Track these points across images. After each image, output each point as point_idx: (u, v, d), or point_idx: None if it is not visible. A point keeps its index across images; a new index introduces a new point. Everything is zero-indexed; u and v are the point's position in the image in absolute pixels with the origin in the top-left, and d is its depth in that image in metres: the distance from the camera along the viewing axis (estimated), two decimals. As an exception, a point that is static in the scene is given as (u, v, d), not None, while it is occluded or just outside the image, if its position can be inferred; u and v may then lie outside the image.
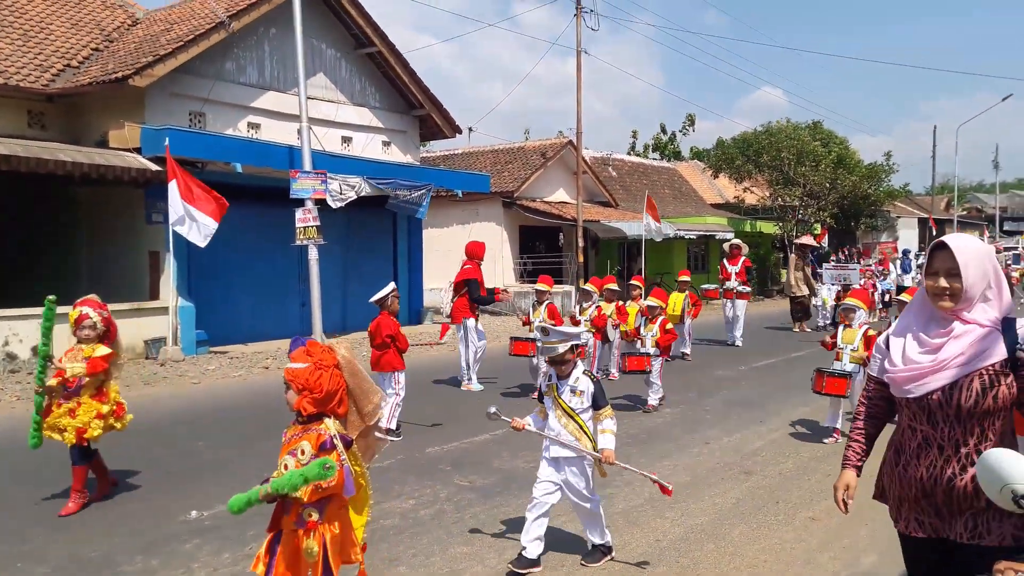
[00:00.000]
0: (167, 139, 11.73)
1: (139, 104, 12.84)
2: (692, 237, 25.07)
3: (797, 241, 19.07)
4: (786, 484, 6.13)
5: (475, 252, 10.32)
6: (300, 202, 12.94)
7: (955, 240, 2.45)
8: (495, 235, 22.15)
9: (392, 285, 7.64)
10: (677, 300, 12.49)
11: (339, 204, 13.87)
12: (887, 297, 20.80)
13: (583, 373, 4.36)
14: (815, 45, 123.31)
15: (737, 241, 15.34)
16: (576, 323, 9.97)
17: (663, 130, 47.18)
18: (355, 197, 14.23)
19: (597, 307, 10.20)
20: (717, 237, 26.45)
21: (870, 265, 26.08)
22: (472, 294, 10.04)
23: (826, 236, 31.01)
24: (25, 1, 14.63)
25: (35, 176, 11.30)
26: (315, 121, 14.61)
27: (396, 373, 7.46)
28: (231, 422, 8.34)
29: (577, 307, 10.67)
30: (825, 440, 7.37)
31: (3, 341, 10.89)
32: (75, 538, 4.89)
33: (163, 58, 12.53)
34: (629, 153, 39.64)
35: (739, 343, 14.43)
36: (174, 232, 11.90)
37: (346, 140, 16.61)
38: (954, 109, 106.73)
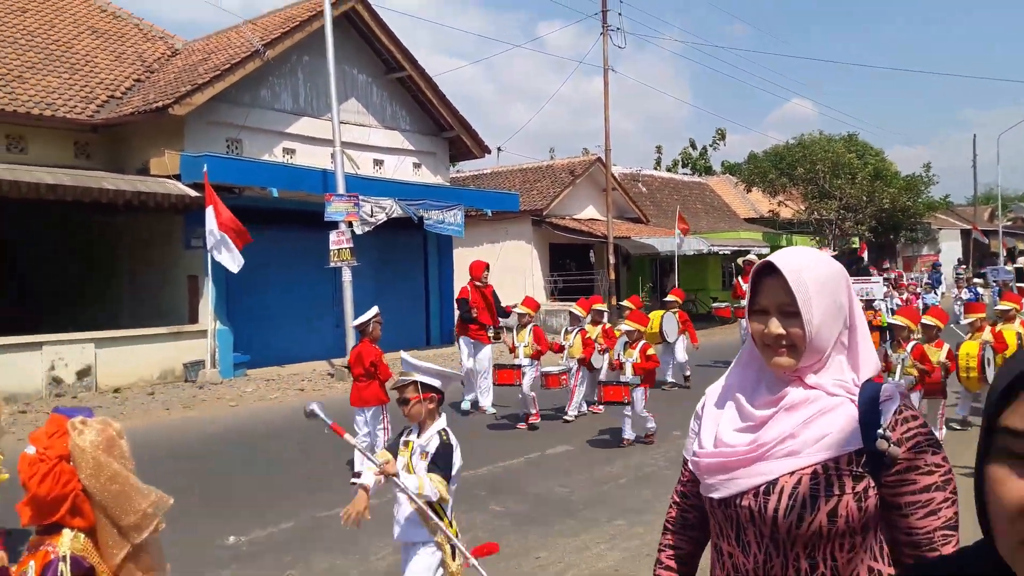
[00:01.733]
0: (205, 166, 12.04)
1: (179, 132, 13.20)
2: (726, 252, 24.85)
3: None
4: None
5: (472, 271, 10.03)
6: (334, 224, 13.16)
7: (789, 258, 1.54)
8: (525, 253, 22.22)
9: (375, 310, 7.15)
10: (655, 318, 11.24)
11: (368, 227, 14.06)
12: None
13: (438, 432, 3.51)
14: (846, 55, 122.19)
15: (752, 256, 14.63)
16: (559, 349, 9.34)
17: (693, 145, 47.00)
18: (386, 219, 14.42)
19: (580, 331, 9.29)
20: (752, 252, 26.20)
21: (914, 279, 25.61)
22: (460, 315, 9.83)
23: (866, 250, 30.59)
24: (72, 36, 15.14)
25: (80, 204, 11.66)
26: (348, 145, 14.87)
27: (379, 408, 6.89)
28: (269, 445, 8.47)
29: (563, 331, 9.84)
30: None
31: (49, 365, 11.20)
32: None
33: (201, 87, 12.88)
34: (655, 168, 39.50)
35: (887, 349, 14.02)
36: (212, 257, 12.17)
37: (378, 163, 16.86)
38: (995, 117, 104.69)
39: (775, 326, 1.51)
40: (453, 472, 3.47)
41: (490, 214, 18.90)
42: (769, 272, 1.54)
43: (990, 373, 8.00)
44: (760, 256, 14.20)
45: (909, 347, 7.22)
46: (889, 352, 7.38)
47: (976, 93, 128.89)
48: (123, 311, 14.28)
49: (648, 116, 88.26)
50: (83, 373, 11.47)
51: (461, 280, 19.37)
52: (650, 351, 8.04)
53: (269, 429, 9.31)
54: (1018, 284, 8.38)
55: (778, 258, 1.54)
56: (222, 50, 14.73)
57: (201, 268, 12.79)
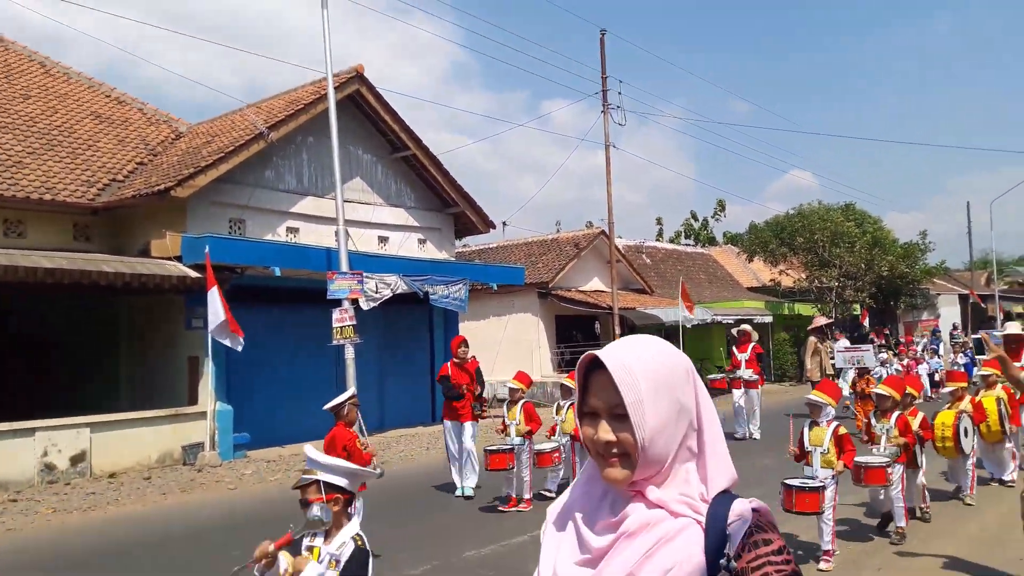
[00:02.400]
0: (207, 246, 11.97)
1: (181, 214, 13.20)
2: (729, 321, 24.68)
3: (811, 327, 17.74)
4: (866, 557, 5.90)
5: (451, 348, 9.55)
6: (337, 302, 13.01)
7: (618, 351, 1.29)
8: (531, 326, 22.04)
9: (351, 392, 6.87)
10: None
11: (373, 304, 13.91)
12: (936, 377, 19.77)
13: (352, 538, 3.19)
14: (841, 125, 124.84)
15: (746, 327, 14.11)
16: (553, 432, 9.03)
17: (694, 217, 47.40)
18: (391, 295, 14.29)
19: (572, 404, 8.69)
20: (756, 321, 26.04)
21: (915, 344, 25.32)
22: (445, 394, 9.30)
23: (867, 317, 30.41)
24: (74, 121, 15.36)
25: (79, 286, 11.55)
26: (352, 223, 14.88)
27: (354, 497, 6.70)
28: (266, 528, 8.05)
29: (555, 410, 9.40)
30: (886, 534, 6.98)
31: (42, 452, 10.85)
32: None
33: (204, 169, 12.94)
34: (657, 239, 39.74)
35: (756, 435, 13.17)
36: (213, 338, 11.98)
37: (383, 240, 16.85)
38: (986, 183, 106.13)
39: (604, 431, 1.27)
40: None
41: (496, 288, 18.80)
42: (598, 366, 1.28)
43: (966, 444, 7.92)
44: (754, 325, 13.82)
45: (893, 417, 7.02)
46: (873, 422, 7.19)
47: (963, 162, 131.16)
48: (121, 393, 14.00)
49: (650, 189, 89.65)
50: (77, 459, 11.11)
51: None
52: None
53: (268, 511, 8.91)
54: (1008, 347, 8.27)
55: (607, 351, 1.29)
56: (226, 133, 14.91)
57: (202, 348, 12.58)
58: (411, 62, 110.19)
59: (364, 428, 8.47)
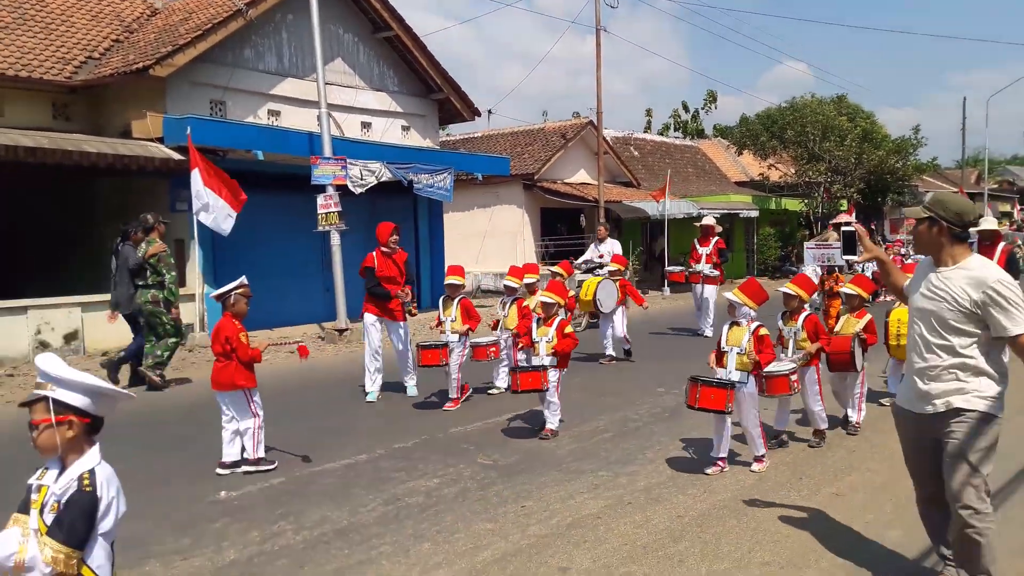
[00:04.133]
0: (189, 128, 11.83)
1: (160, 94, 12.95)
2: (716, 216, 24.85)
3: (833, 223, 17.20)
4: (809, 460, 6.10)
5: (378, 235, 8.48)
6: (321, 188, 13.01)
7: None
8: (516, 218, 22.12)
9: (241, 280, 6.15)
10: (590, 285, 10.44)
11: (360, 190, 13.91)
12: None
13: (80, 476, 2.43)
14: (839, 16, 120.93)
15: (709, 219, 13.46)
16: (495, 326, 8.58)
17: (685, 108, 46.65)
18: (376, 183, 14.27)
19: (517, 300, 8.39)
20: (742, 215, 26.19)
21: (899, 239, 25.66)
22: (366, 286, 8.41)
23: (853, 212, 30.62)
24: (47, -6, 14.77)
25: (61, 168, 11.47)
26: (334, 107, 14.64)
27: (240, 392, 5.92)
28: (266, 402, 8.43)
29: (501, 305, 8.81)
30: (775, 444, 6.39)
31: (35, 330, 11.10)
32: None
33: (182, 47, 12.61)
34: (645, 131, 39.21)
35: (708, 333, 12.69)
36: (198, 220, 12.02)
37: (365, 126, 16.64)
38: (984, 80, 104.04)
39: None
40: (101, 530, 2.45)
41: (480, 178, 18.74)
42: None
43: (858, 361, 7.18)
44: (740, 219, 13.41)
45: (801, 318, 6.37)
46: (780, 324, 6.51)
47: (964, 56, 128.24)
48: (109, 276, 14.13)
49: (640, 79, 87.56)
50: (70, 337, 11.39)
51: (452, 244, 19.38)
52: (568, 328, 6.77)
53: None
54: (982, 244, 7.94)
55: None
56: (203, 9, 14.41)
57: (187, 232, 12.65)
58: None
59: (413, 300, 8.27)
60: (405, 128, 17.54)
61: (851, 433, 6.77)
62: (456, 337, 7.90)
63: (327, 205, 13.04)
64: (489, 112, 27.70)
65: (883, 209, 37.75)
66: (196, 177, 11.73)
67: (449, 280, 8.09)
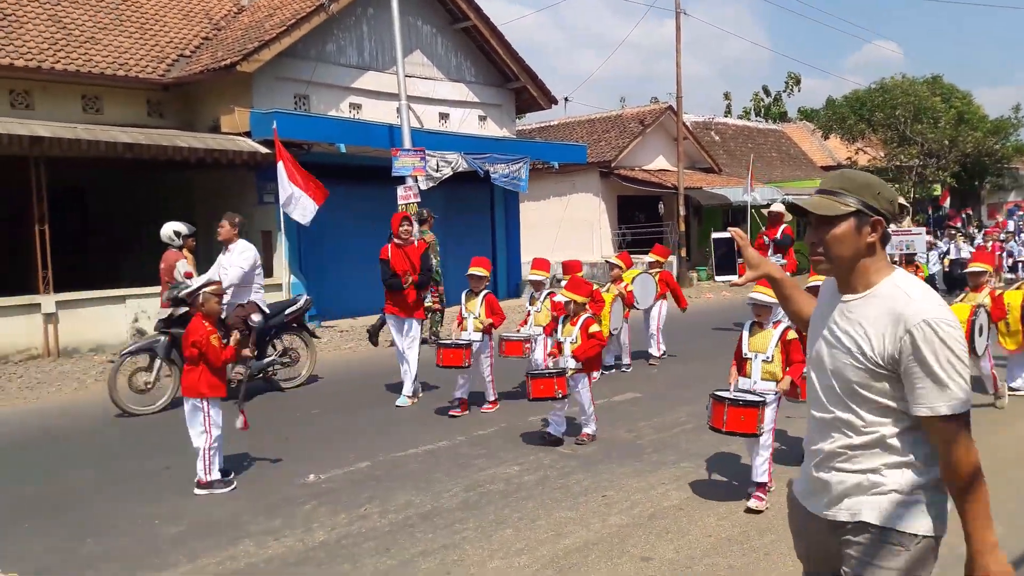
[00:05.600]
0: (274, 122, 12.18)
1: (247, 89, 13.39)
2: (786, 201, 24.07)
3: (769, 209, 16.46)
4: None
5: (391, 226, 7.97)
6: (401, 179, 13.21)
7: None
8: (592, 206, 21.97)
9: (207, 277, 5.57)
10: (626, 279, 9.21)
11: (434, 182, 14.05)
12: (1012, 262, 18.49)
13: None
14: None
15: (778, 206, 12.27)
16: (525, 323, 7.91)
17: (766, 92, 45.29)
18: (451, 173, 14.41)
19: (550, 294, 7.72)
20: (778, 201, 25.27)
21: (997, 224, 24.19)
22: (382, 279, 7.78)
23: (948, 198, 29.15)
24: (141, -5, 15.45)
25: (155, 162, 12.01)
26: (413, 99, 14.83)
27: (198, 402, 5.29)
28: (342, 391, 8.67)
29: (529, 301, 8.15)
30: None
31: (133, 318, 11.70)
32: (204, 501, 5.22)
33: (268, 43, 13.00)
34: (725, 116, 38.22)
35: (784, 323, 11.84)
36: (284, 212, 12.39)
37: (443, 116, 16.79)
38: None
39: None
40: None
41: (557, 167, 18.68)
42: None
43: (979, 344, 6.56)
44: (775, 206, 12.22)
45: (777, 332, 5.08)
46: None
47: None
48: (200, 266, 14.73)
49: (720, 62, 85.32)
50: (166, 324, 11.94)
51: (528, 234, 19.40)
52: (593, 327, 6.13)
53: (343, 376, 9.52)
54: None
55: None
56: (287, 5, 14.80)
57: (274, 223, 13.06)
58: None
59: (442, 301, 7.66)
60: (482, 118, 17.63)
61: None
62: (479, 335, 7.21)
63: (407, 196, 13.22)
64: (566, 100, 27.55)
65: (980, 193, 35.85)
66: (281, 170, 12.07)
67: (472, 272, 7.35)
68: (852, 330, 2.03)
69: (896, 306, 1.96)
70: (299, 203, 12.26)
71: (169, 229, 9.97)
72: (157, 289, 12.12)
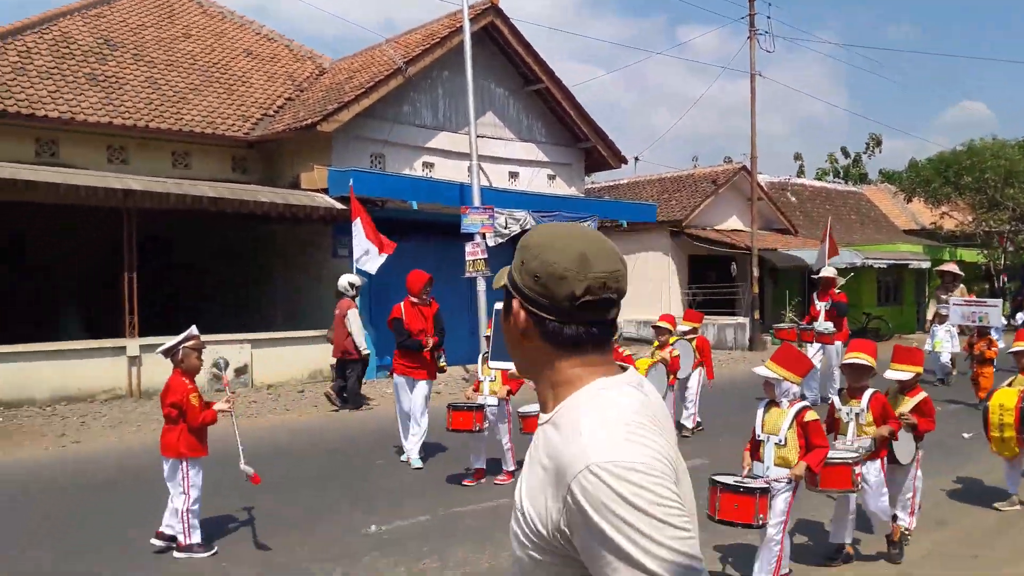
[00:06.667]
0: (351, 180, 12.56)
1: (326, 147, 13.87)
2: (882, 266, 23.21)
3: (938, 269, 15.08)
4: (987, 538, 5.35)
5: (409, 284, 7.70)
6: (470, 236, 13.36)
7: None
8: (662, 265, 21.68)
9: (189, 331, 5.28)
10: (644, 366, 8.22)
11: (501, 239, 14.15)
12: None
13: None
14: (1019, 51, 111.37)
15: (829, 271, 11.45)
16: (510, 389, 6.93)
17: (844, 153, 44.46)
18: (519, 231, 14.48)
19: None
20: (911, 266, 24.33)
21: None
22: (398, 341, 7.50)
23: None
24: (229, 58, 16.35)
25: (238, 215, 12.47)
26: (484, 158, 15.09)
27: (177, 462, 5.01)
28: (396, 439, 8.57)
29: None
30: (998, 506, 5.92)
31: (212, 363, 11.95)
32: (272, 546, 5.18)
33: (347, 104, 13.49)
34: (799, 176, 37.57)
35: (834, 398, 10.50)
36: (357, 266, 12.64)
37: (513, 175, 17.00)
38: None
39: None
40: None
41: (625, 225, 18.59)
42: None
43: None
44: (827, 271, 11.26)
45: (867, 396, 4.94)
46: (837, 404, 5.17)
47: None
48: (277, 314, 15.11)
49: (794, 122, 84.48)
50: (241, 371, 12.21)
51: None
52: None
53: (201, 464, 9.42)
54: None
55: None
56: (366, 68, 15.39)
57: (346, 276, 13.29)
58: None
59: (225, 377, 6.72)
60: (551, 177, 17.76)
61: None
62: (495, 400, 6.78)
63: (474, 252, 13.36)
64: (636, 159, 27.63)
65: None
66: (358, 226, 12.37)
67: (489, 333, 6.93)
68: (522, 482, 1.33)
69: (559, 446, 1.23)
70: (371, 257, 12.54)
71: (345, 280, 10.49)
72: (239, 336, 12.50)
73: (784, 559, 4.28)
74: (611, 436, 1.20)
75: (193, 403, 5.00)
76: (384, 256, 12.39)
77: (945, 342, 12.69)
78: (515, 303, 1.36)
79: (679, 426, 8.88)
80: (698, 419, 9.11)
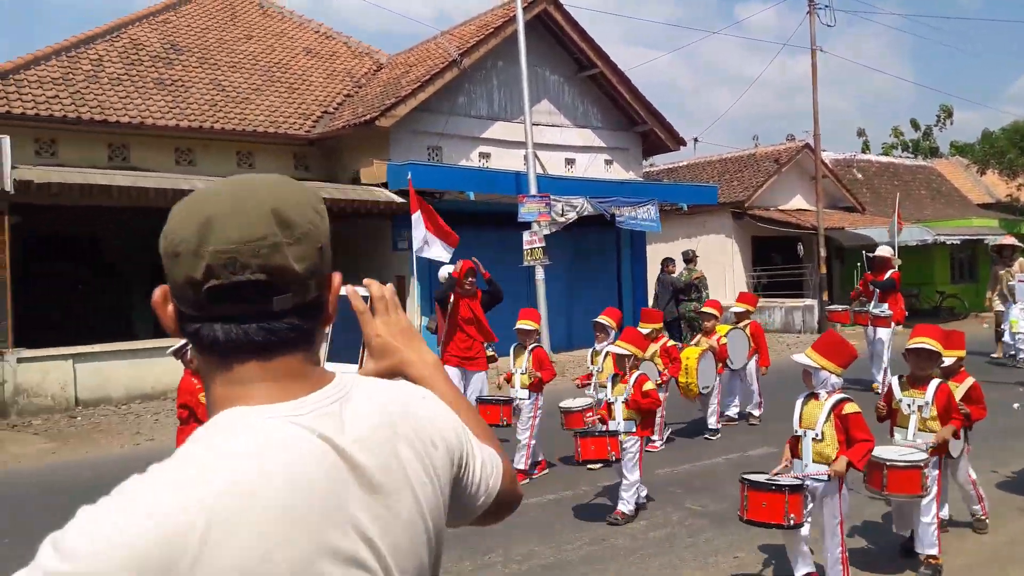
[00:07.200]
0: (409, 173, 12.72)
1: (385, 142, 14.09)
2: (955, 242, 22.34)
3: (995, 244, 14.24)
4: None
5: (456, 275, 7.45)
6: (527, 224, 13.40)
7: None
8: (724, 248, 21.34)
9: None
10: (691, 356, 7.86)
11: (557, 227, 14.12)
12: None
13: None
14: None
15: (884, 250, 10.59)
16: (586, 380, 7.12)
17: (915, 126, 42.75)
18: (577, 218, 14.45)
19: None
20: (986, 241, 23.34)
21: None
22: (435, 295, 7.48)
23: None
24: (290, 58, 16.70)
25: (301, 212, 12.79)
26: (540, 146, 15.08)
27: None
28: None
29: (590, 358, 7.55)
30: None
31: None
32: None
33: (404, 99, 13.67)
34: (863, 152, 36.30)
35: (879, 383, 9.87)
36: (417, 258, 12.84)
37: (569, 162, 16.94)
38: None
39: None
40: None
41: (685, 208, 18.35)
42: None
43: None
44: (881, 250, 10.09)
45: (932, 387, 4.54)
46: (896, 394, 4.69)
47: None
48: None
49: (858, 97, 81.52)
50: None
51: (655, 276, 19.07)
52: (648, 385, 5.56)
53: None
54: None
55: None
56: (422, 62, 15.53)
57: (407, 268, 13.52)
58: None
59: None
60: (608, 162, 17.64)
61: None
62: (525, 393, 6.62)
63: (532, 241, 13.40)
64: (695, 140, 27.12)
65: None
66: (417, 219, 12.53)
67: (519, 325, 6.85)
68: None
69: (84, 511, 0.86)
70: (434, 246, 12.67)
71: (445, 271, 10.67)
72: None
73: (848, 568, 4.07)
74: (119, 518, 0.81)
75: (203, 402, 4.88)
76: (451, 249, 12.53)
77: (1022, 321, 11.88)
78: (156, 292, 0.98)
79: (747, 416, 8.75)
80: (758, 412, 8.80)
